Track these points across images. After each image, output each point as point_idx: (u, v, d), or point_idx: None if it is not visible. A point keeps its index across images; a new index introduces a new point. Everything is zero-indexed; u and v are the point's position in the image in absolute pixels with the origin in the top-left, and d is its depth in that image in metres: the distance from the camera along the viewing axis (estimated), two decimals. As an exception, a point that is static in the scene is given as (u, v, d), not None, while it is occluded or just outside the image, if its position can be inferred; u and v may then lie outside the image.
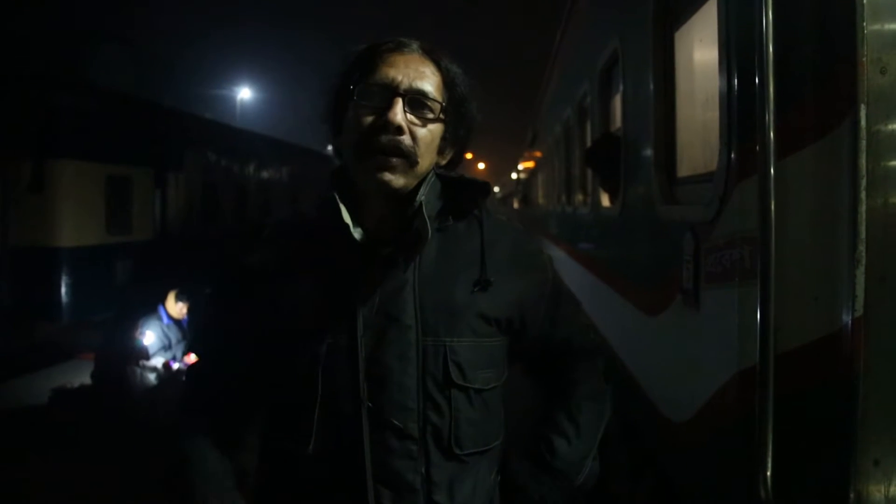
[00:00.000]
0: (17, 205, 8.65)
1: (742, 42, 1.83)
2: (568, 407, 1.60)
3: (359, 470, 1.34)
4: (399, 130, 1.33)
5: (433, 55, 1.42)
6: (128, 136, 10.12)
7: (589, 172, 5.08)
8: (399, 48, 1.39)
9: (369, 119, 1.34)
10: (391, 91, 1.34)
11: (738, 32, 1.87)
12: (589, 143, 5.33)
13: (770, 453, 1.64)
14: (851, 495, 1.59)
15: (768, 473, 1.64)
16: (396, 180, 1.35)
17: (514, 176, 33.15)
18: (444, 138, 1.44)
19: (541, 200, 14.37)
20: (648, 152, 2.88)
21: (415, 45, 1.41)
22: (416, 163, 1.36)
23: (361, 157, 1.35)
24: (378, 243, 1.39)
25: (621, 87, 3.64)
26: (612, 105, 4.50)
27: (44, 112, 8.79)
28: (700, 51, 2.51)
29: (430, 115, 1.38)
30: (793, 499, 1.67)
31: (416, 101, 1.36)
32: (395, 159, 1.33)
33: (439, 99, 1.39)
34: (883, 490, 1.60)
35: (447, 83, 1.42)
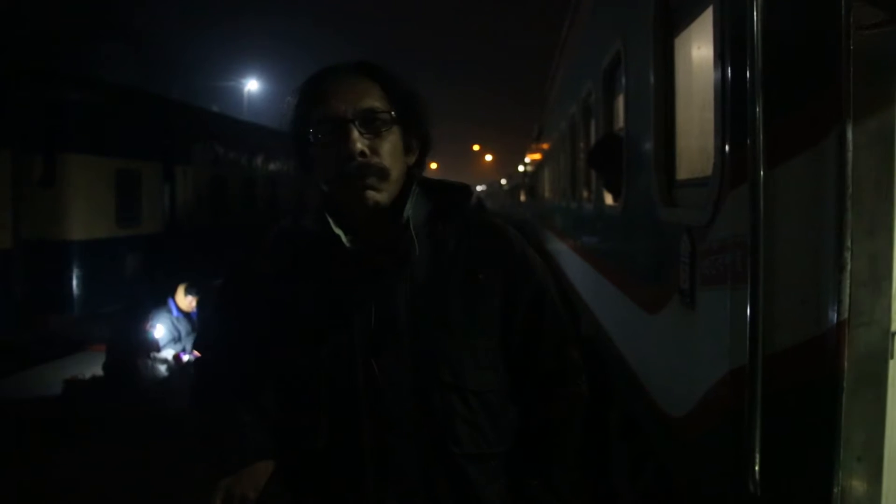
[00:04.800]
0: (29, 199, 8.75)
1: (735, 52, 1.89)
2: (544, 434, 1.61)
3: (362, 467, 1.42)
4: (363, 154, 1.40)
5: (366, 69, 1.49)
6: (137, 131, 10.22)
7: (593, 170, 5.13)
8: (334, 76, 1.47)
9: (332, 152, 1.42)
10: (341, 120, 1.41)
11: (732, 43, 1.93)
12: (593, 141, 5.38)
13: (758, 449, 1.71)
14: (835, 490, 1.66)
15: (756, 468, 1.71)
16: (380, 196, 1.44)
17: (520, 168, 33.07)
18: (404, 139, 1.50)
19: (547, 194, 14.41)
20: (649, 154, 2.95)
21: (348, 67, 1.48)
22: (389, 173, 1.44)
23: (341, 187, 1.43)
24: (371, 252, 1.47)
25: (624, 88, 3.70)
26: (615, 105, 4.56)
27: (54, 107, 8.89)
28: (698, 57, 2.57)
29: (385, 126, 1.45)
30: (780, 493, 1.74)
31: (368, 119, 1.43)
32: (369, 180, 1.41)
33: (386, 108, 1.45)
34: (865, 485, 1.68)
35: (388, 89, 1.48)
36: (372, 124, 1.43)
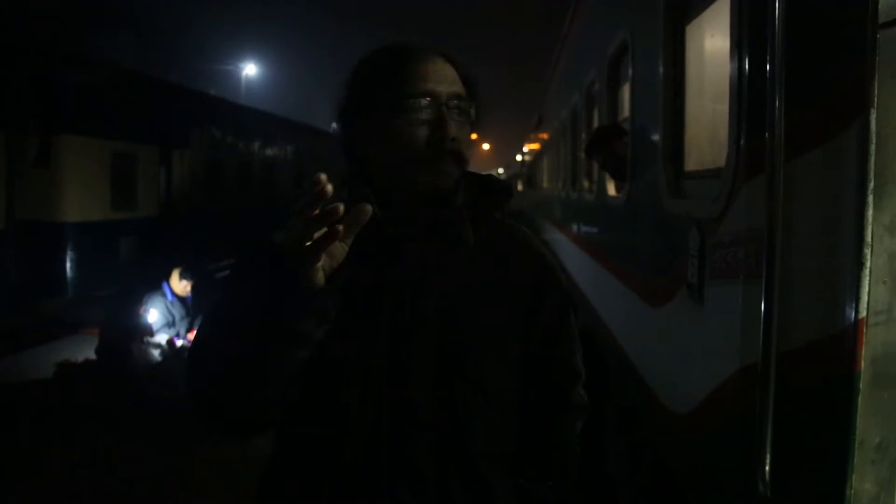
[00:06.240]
0: (24, 179, 8.68)
1: (754, 40, 1.84)
2: (550, 438, 1.62)
3: (377, 460, 1.37)
4: (454, 140, 1.38)
5: (450, 58, 1.46)
6: (133, 113, 10.14)
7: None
8: (425, 57, 1.43)
9: (422, 131, 1.37)
10: (436, 102, 1.38)
11: (750, 31, 1.87)
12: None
13: (769, 449, 1.68)
14: (848, 492, 1.62)
15: (767, 469, 1.68)
16: (450, 184, 1.41)
17: (518, 158, 33.01)
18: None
19: (546, 184, 14.36)
20: (656, 145, 2.89)
21: (435, 52, 1.45)
22: (466, 163, 1.44)
23: (418, 166, 1.38)
24: (405, 239, 1.42)
25: (630, 78, 3.63)
26: (619, 95, 4.50)
27: (51, 88, 8.80)
28: (711, 46, 2.51)
29: (467, 116, 1.43)
30: (791, 494, 1.70)
31: (456, 106, 1.41)
32: (451, 166, 1.39)
33: (470, 99, 1.44)
34: (879, 488, 1.63)
35: (466, 82, 1.46)
36: (459, 111, 1.42)
